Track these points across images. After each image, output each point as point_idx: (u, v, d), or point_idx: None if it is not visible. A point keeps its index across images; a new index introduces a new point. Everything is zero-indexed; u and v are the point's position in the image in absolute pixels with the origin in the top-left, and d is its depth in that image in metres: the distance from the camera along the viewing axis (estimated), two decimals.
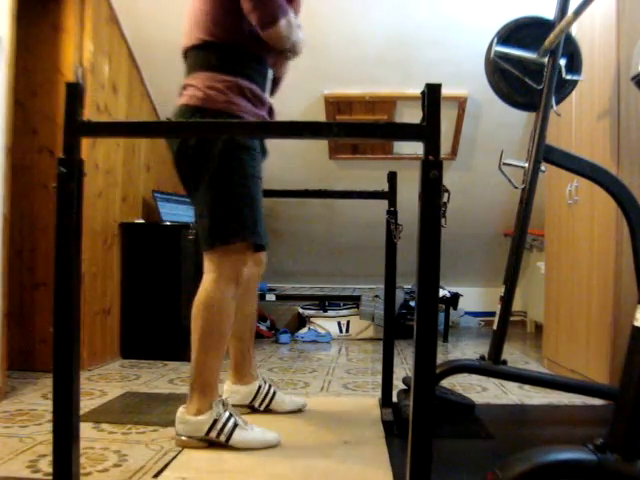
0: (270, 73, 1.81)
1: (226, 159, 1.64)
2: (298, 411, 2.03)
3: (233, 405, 1.79)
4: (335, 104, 3.54)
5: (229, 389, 1.99)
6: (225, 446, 1.64)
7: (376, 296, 4.08)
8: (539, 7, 2.43)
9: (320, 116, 3.60)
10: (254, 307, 2.05)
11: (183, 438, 1.67)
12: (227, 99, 1.63)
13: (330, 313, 4.31)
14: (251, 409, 1.99)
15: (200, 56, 1.70)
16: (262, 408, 1.99)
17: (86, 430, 1.85)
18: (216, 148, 1.63)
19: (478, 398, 2.37)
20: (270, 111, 1.81)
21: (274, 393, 2.02)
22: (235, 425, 1.66)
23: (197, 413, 1.65)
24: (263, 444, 1.66)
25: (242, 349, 1.98)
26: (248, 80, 1.69)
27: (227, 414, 1.67)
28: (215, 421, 1.64)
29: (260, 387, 2.00)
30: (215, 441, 1.64)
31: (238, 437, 1.64)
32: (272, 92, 1.89)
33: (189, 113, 1.65)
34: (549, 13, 2.12)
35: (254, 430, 1.69)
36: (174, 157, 1.72)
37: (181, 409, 1.69)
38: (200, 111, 1.63)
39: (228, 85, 1.64)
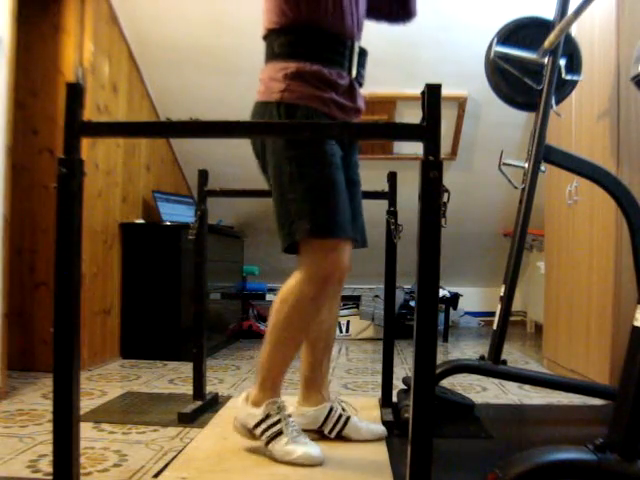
0: (356, 45, 1.62)
1: (309, 147, 1.51)
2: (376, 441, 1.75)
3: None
4: None
5: (296, 411, 1.73)
6: (264, 452, 1.56)
7: (376, 296, 4.08)
8: (539, 7, 2.43)
9: None
10: (333, 314, 1.80)
11: (236, 424, 1.64)
12: (283, 87, 1.52)
13: None
14: (320, 435, 1.72)
15: (266, 47, 1.62)
16: (333, 435, 1.71)
17: (86, 430, 1.85)
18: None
19: (478, 398, 2.37)
20: (350, 89, 1.61)
21: (347, 418, 1.74)
22: (279, 432, 1.54)
23: (253, 404, 1.59)
24: (303, 459, 1.50)
25: (312, 362, 1.76)
26: (314, 62, 1.53)
27: (276, 418, 1.55)
28: (262, 420, 1.56)
29: (331, 410, 1.74)
30: (257, 438, 1.58)
31: (278, 445, 1.53)
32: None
33: (257, 110, 1.58)
34: (549, 13, 2.12)
35: (298, 445, 1.53)
36: (260, 145, 1.62)
37: (244, 393, 1.64)
38: (260, 104, 1.56)
39: (285, 73, 1.52)
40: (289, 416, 1.59)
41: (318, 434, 1.72)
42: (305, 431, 1.64)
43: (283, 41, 1.55)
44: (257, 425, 1.57)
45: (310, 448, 1.53)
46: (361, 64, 1.65)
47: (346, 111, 1.59)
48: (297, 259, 1.55)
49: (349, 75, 1.59)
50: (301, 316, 1.56)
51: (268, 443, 1.55)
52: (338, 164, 1.54)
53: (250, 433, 1.60)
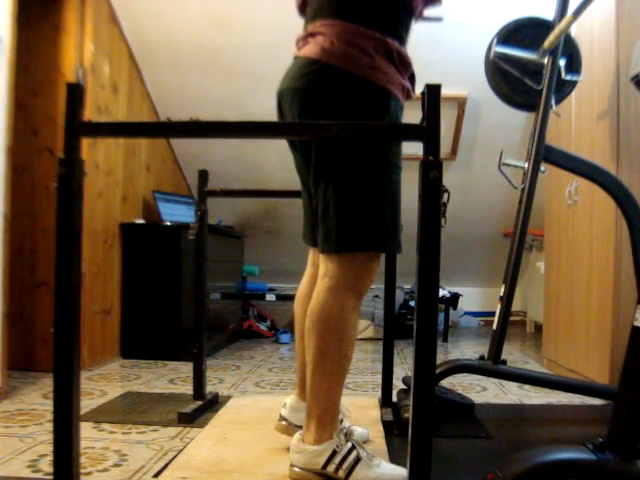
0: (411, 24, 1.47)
1: (387, 160, 1.36)
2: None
3: (295, 425, 1.58)
4: None
5: (292, 404, 1.66)
6: None
7: (376, 296, 4.08)
8: (539, 7, 2.43)
9: None
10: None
11: (296, 470, 1.42)
12: (373, 64, 1.30)
13: None
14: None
15: (331, 4, 1.35)
16: None
17: (86, 430, 1.85)
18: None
19: (478, 398, 2.37)
20: (412, 77, 1.46)
21: (340, 420, 1.61)
22: (358, 459, 1.38)
23: (314, 442, 1.40)
24: None
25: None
26: (397, 40, 1.35)
27: (349, 445, 1.40)
28: (334, 453, 1.38)
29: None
30: (333, 476, 1.39)
31: (360, 474, 1.37)
32: None
33: (315, 68, 1.32)
34: (549, 13, 2.12)
35: (380, 466, 1.41)
36: (304, 149, 1.42)
37: (297, 436, 1.44)
38: (331, 70, 1.30)
39: (376, 45, 1.30)
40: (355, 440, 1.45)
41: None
42: (298, 426, 1.56)
43: (371, 3, 1.32)
44: (329, 461, 1.38)
45: (395, 471, 1.40)
46: None
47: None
48: (325, 264, 1.41)
49: None
50: (349, 330, 1.39)
51: (348, 476, 1.37)
52: (400, 163, 1.41)
53: (320, 474, 1.41)
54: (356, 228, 1.35)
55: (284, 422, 1.64)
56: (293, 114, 1.38)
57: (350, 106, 1.32)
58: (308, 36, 1.39)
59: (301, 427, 1.47)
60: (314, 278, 1.54)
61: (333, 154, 1.35)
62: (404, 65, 1.39)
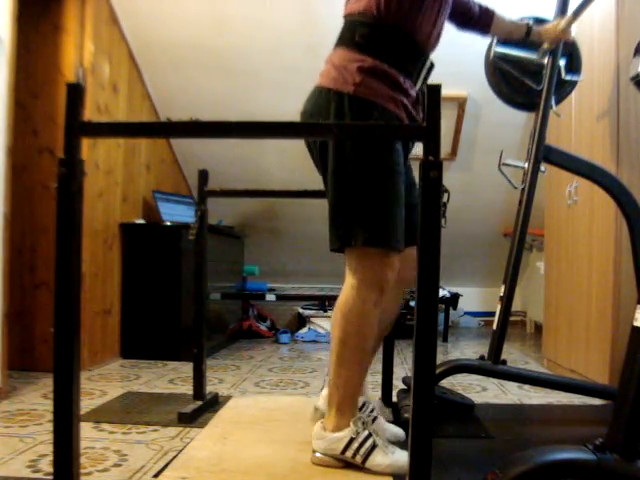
0: (429, 61, 1.61)
1: (380, 154, 1.46)
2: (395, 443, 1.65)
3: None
4: None
5: (325, 396, 1.68)
6: (361, 468, 1.49)
7: None
8: (539, 7, 2.43)
9: None
10: (392, 315, 1.81)
11: (318, 455, 1.53)
12: (358, 81, 1.45)
13: (330, 313, 4.30)
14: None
15: (343, 30, 1.56)
16: None
17: (86, 430, 1.85)
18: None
19: (478, 398, 2.37)
20: (416, 102, 1.57)
21: (375, 418, 1.72)
22: (374, 446, 1.48)
23: (334, 429, 1.51)
24: (404, 470, 1.43)
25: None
26: (392, 66, 1.49)
27: (366, 433, 1.49)
28: (352, 440, 1.48)
29: (364, 405, 1.73)
30: (350, 462, 1.49)
31: (376, 460, 1.48)
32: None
33: (323, 96, 1.51)
34: (549, 13, 2.12)
35: (395, 454, 1.50)
36: (318, 149, 1.56)
37: (319, 424, 1.54)
38: (324, 91, 1.50)
39: (361, 65, 1.46)
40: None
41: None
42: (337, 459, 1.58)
43: (366, 33, 1.49)
44: (347, 447, 1.49)
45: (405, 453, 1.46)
46: (426, 79, 1.61)
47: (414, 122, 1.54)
48: (347, 263, 1.54)
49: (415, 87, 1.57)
50: (369, 323, 1.51)
51: (365, 461, 1.48)
52: (402, 173, 1.51)
53: (339, 459, 1.51)
54: (365, 227, 1.45)
55: (318, 412, 1.69)
56: (312, 144, 1.60)
57: (338, 118, 1.47)
58: (328, 67, 1.58)
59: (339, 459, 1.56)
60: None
61: (346, 159, 1.47)
62: (398, 88, 1.50)
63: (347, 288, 1.52)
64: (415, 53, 1.56)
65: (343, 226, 1.48)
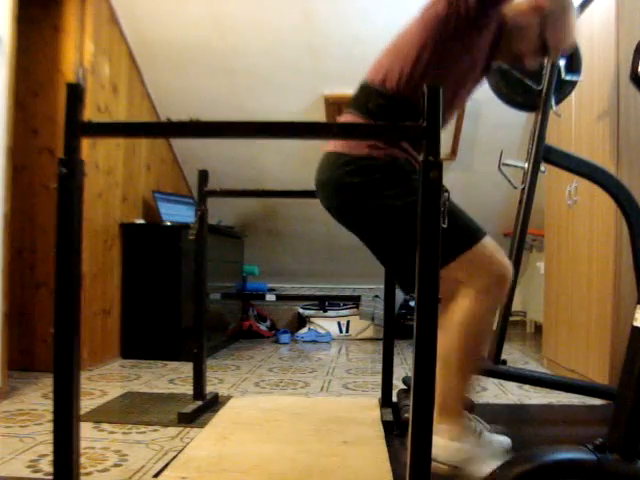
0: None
1: (407, 180, 1.47)
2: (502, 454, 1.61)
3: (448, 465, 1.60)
4: (335, 105, 3.54)
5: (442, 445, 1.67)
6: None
7: (376, 296, 4.08)
8: None
9: (320, 116, 3.60)
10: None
11: (443, 467, 1.50)
12: (368, 144, 1.48)
13: (330, 313, 4.31)
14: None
15: (360, 93, 1.57)
16: None
17: (86, 430, 1.85)
18: (387, 178, 1.46)
19: (478, 398, 2.37)
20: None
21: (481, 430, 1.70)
22: (486, 456, 1.49)
23: (452, 438, 1.50)
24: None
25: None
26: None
27: (474, 440, 1.50)
28: (470, 449, 1.49)
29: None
30: (467, 471, 1.48)
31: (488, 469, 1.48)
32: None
33: (334, 160, 1.52)
34: None
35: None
36: (344, 211, 1.57)
37: (446, 435, 1.50)
38: (343, 158, 1.50)
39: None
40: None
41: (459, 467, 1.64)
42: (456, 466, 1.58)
43: (381, 103, 1.51)
44: (467, 457, 1.49)
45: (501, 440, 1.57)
46: None
47: None
48: (455, 278, 1.48)
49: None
50: (486, 330, 1.50)
51: (481, 470, 1.46)
52: None
53: (451, 466, 1.49)
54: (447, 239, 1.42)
55: (441, 465, 1.62)
56: (324, 200, 1.64)
57: (366, 179, 1.48)
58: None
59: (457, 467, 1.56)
60: (443, 306, 1.66)
61: (387, 201, 1.46)
62: (404, 151, 1.50)
63: (462, 302, 1.46)
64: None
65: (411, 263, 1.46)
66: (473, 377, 1.52)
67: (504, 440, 1.70)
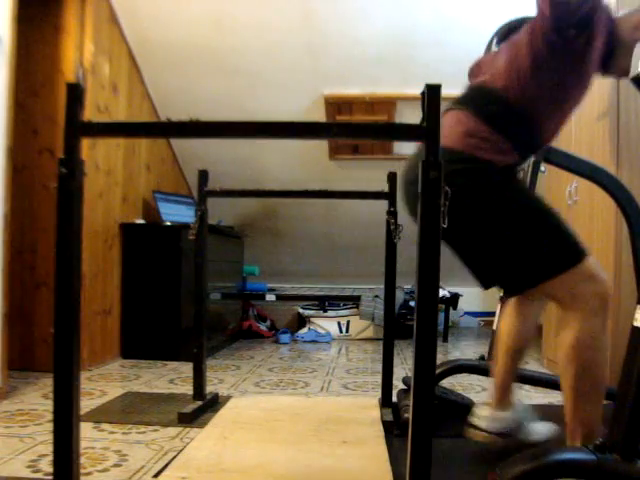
0: (540, 154, 1.66)
1: (507, 189, 1.46)
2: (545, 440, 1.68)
3: (491, 433, 1.65)
4: (335, 104, 3.54)
5: (487, 415, 1.69)
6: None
7: (376, 296, 4.08)
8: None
9: (320, 116, 3.60)
10: (534, 322, 1.76)
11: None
12: (477, 144, 1.47)
13: (330, 313, 4.31)
14: (503, 436, 1.67)
15: (473, 93, 1.57)
16: (519, 436, 1.70)
17: (86, 430, 1.85)
18: (484, 185, 1.44)
19: (478, 398, 2.37)
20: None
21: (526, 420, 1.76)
22: None
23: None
24: None
25: (513, 369, 1.72)
26: (512, 144, 1.49)
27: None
28: None
29: (520, 412, 1.74)
30: None
31: None
32: None
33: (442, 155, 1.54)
34: None
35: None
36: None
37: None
38: (450, 153, 1.44)
39: (487, 138, 1.47)
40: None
41: (500, 436, 1.67)
42: (497, 434, 1.64)
43: (500, 110, 1.50)
44: None
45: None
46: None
47: None
48: (553, 299, 1.46)
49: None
50: (602, 350, 1.41)
51: None
52: (527, 189, 1.53)
53: None
54: (548, 255, 1.41)
55: (484, 433, 1.67)
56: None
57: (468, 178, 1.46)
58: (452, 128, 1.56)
59: (499, 434, 1.64)
60: (518, 301, 1.70)
61: (482, 207, 1.45)
62: (502, 152, 1.49)
63: (571, 323, 1.40)
64: (535, 145, 1.59)
65: (524, 267, 1.43)
66: (597, 400, 1.40)
67: (548, 426, 1.75)
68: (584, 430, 1.40)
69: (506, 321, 1.74)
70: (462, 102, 1.57)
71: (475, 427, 1.68)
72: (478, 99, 1.54)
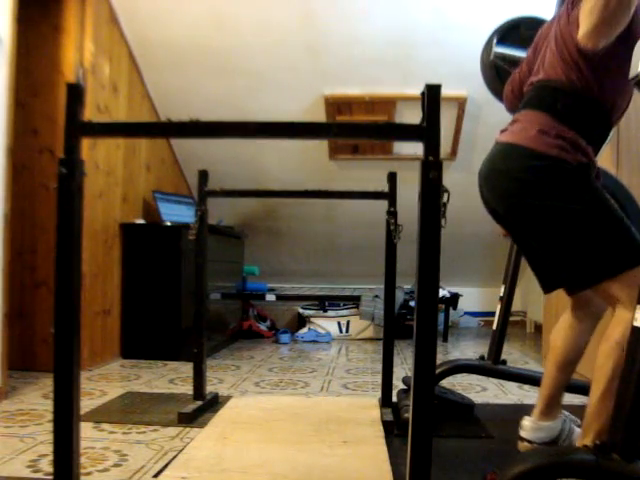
0: (610, 136, 1.63)
1: (582, 184, 1.46)
2: None
3: (538, 443, 1.66)
4: (335, 105, 3.54)
5: (532, 425, 1.69)
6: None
7: (376, 296, 4.08)
8: (538, 7, 2.43)
9: (320, 116, 3.60)
10: (583, 348, 1.77)
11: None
12: (557, 144, 1.46)
13: (330, 313, 4.31)
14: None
15: (541, 93, 1.55)
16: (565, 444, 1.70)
17: (86, 430, 1.85)
18: (558, 179, 1.45)
19: (478, 398, 2.37)
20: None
21: (572, 427, 1.75)
22: None
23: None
24: None
25: (563, 380, 1.72)
26: (588, 142, 1.50)
27: None
28: None
29: (564, 421, 1.73)
30: None
31: None
32: None
33: (520, 153, 1.50)
34: (548, 14, 2.11)
35: None
36: (514, 205, 1.52)
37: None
38: (522, 149, 1.49)
39: (562, 135, 1.47)
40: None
41: (547, 445, 1.68)
42: (542, 444, 1.65)
43: (569, 103, 1.49)
44: None
45: None
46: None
47: None
48: (612, 295, 1.45)
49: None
50: None
51: None
52: (601, 189, 1.51)
53: None
54: (612, 252, 1.43)
55: (528, 444, 1.67)
56: (495, 192, 1.57)
57: (544, 178, 1.47)
58: (511, 124, 1.59)
59: (545, 444, 1.64)
60: (574, 313, 1.70)
61: (552, 200, 1.46)
62: (579, 150, 1.49)
63: (622, 320, 1.39)
64: (607, 130, 1.59)
65: (591, 263, 1.44)
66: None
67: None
68: (598, 426, 1.41)
69: (560, 334, 1.74)
70: (530, 104, 1.56)
71: (522, 439, 1.69)
72: (547, 97, 1.53)
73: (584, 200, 1.45)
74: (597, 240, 1.44)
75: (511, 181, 1.51)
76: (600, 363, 1.45)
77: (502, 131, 1.62)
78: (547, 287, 1.64)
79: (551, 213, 1.47)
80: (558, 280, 1.58)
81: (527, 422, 1.69)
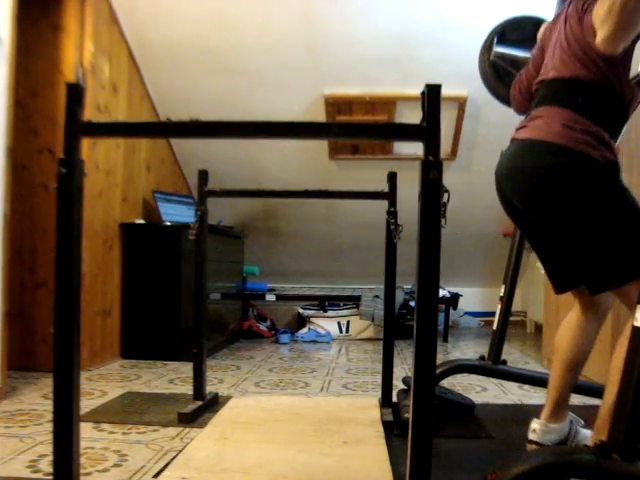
0: (625, 128, 1.62)
1: (610, 186, 1.45)
2: None
3: (547, 445, 1.66)
4: (335, 104, 3.54)
5: (541, 428, 1.68)
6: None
7: (376, 296, 4.08)
8: (538, 7, 2.43)
9: (320, 116, 3.60)
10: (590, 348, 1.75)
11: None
12: (584, 139, 1.45)
13: (330, 313, 4.31)
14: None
15: (561, 89, 1.53)
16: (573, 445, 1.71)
17: (86, 430, 1.85)
18: (581, 174, 1.43)
19: (478, 398, 2.37)
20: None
21: (577, 428, 1.75)
22: None
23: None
24: None
25: (571, 382, 1.70)
26: (609, 134, 1.49)
27: None
28: None
29: (571, 422, 1.73)
30: None
31: None
32: None
33: (544, 149, 1.48)
34: (548, 13, 2.11)
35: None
36: (534, 201, 1.51)
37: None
38: (548, 144, 1.47)
39: (586, 130, 1.46)
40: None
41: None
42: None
43: (589, 96, 1.48)
44: None
45: None
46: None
47: None
48: (632, 297, 1.41)
49: None
50: None
51: None
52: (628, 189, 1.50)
53: None
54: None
55: (538, 447, 1.66)
56: (518, 189, 1.54)
57: (570, 173, 1.45)
58: (529, 120, 1.58)
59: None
60: (582, 314, 1.68)
61: (582, 200, 1.43)
62: (605, 145, 1.48)
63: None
64: (624, 123, 1.57)
65: (614, 265, 1.42)
66: None
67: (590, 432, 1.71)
68: (607, 414, 1.38)
69: (567, 335, 1.72)
70: (548, 100, 1.54)
71: (531, 441, 1.68)
72: (565, 92, 1.51)
73: (612, 199, 1.43)
74: (625, 241, 1.42)
75: (536, 178, 1.48)
76: (616, 364, 1.41)
77: (518, 128, 1.60)
78: (562, 287, 1.61)
79: (578, 212, 1.44)
80: (578, 280, 1.55)
81: (537, 425, 1.67)
